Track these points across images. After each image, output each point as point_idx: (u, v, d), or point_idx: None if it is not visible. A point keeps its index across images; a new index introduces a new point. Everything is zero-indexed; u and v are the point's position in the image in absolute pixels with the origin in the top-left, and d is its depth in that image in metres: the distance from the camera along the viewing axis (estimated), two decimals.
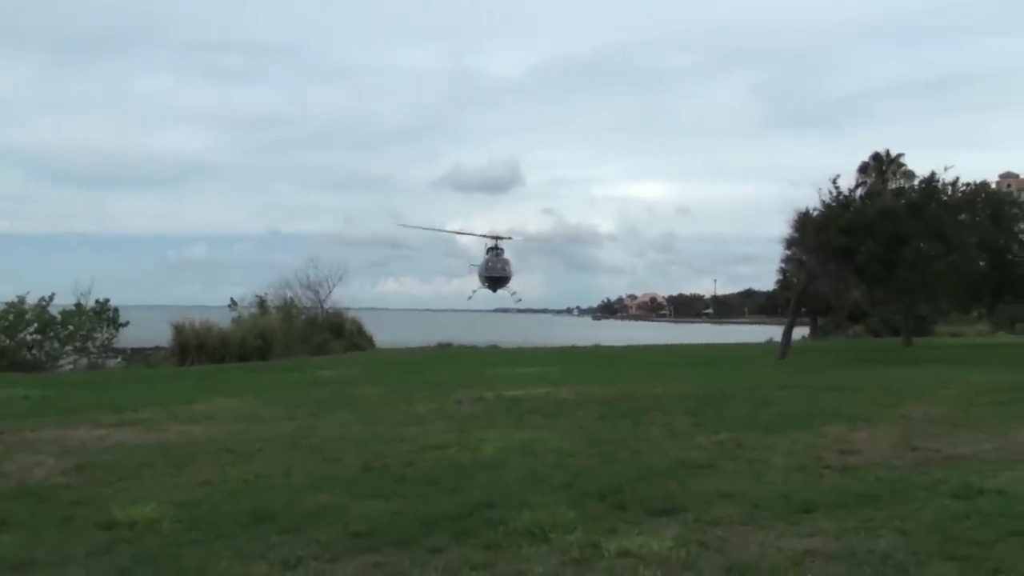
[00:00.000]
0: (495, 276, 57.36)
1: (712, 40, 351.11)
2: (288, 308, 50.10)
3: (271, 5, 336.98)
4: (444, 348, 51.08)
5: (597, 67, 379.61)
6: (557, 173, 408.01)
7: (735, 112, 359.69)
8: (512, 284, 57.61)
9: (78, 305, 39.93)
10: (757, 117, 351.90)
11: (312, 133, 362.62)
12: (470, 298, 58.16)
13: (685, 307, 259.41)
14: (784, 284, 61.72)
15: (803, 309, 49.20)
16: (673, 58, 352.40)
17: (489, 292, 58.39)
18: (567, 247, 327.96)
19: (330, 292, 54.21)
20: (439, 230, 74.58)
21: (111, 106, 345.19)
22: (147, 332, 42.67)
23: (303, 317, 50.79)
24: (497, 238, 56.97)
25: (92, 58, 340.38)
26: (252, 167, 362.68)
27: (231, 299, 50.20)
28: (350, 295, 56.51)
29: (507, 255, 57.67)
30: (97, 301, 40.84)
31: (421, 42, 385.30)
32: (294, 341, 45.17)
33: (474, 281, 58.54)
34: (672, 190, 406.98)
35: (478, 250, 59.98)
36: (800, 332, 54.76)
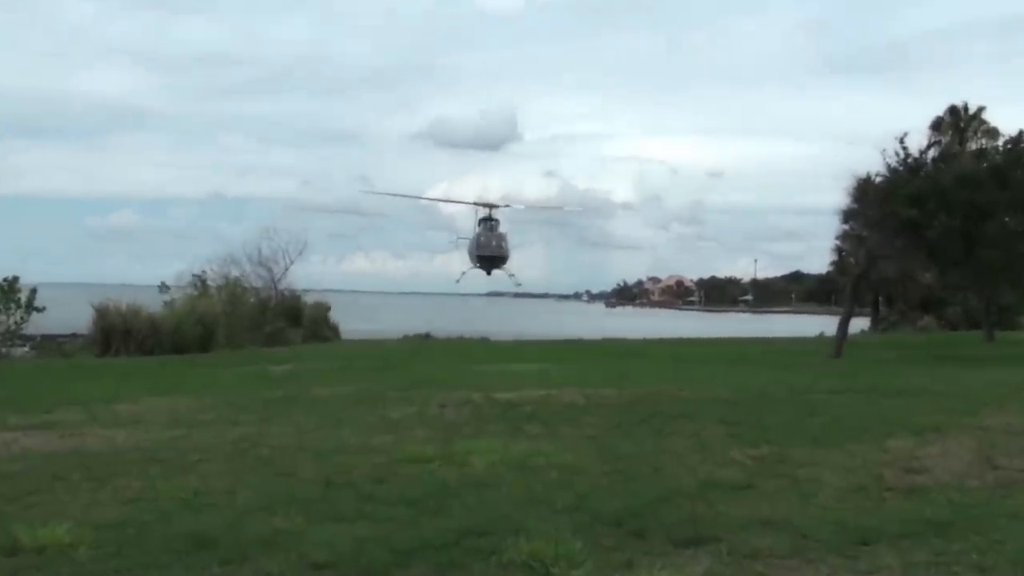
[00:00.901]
0: (489, 255, 56.97)
1: None
2: (234, 289, 50.16)
3: None
4: (424, 339, 51.23)
5: None
6: (562, 127, 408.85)
7: (780, 54, 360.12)
8: (510, 264, 57.15)
9: None
10: (807, 60, 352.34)
11: (265, 76, 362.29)
12: (458, 281, 57.87)
13: (718, 293, 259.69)
14: (839, 266, 61.64)
15: (862, 296, 49.22)
16: None
17: (481, 274, 58.13)
18: (574, 218, 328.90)
19: (286, 270, 54.42)
20: (417, 197, 73.59)
21: (19, 38, 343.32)
22: (62, 315, 42.66)
23: (252, 300, 50.88)
24: (490, 206, 56.48)
25: None
26: (191, 116, 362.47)
27: (162, 282, 50.31)
28: (310, 274, 57.12)
29: (503, 228, 57.35)
30: (5, 280, 40.78)
31: None
32: (241, 329, 45.25)
33: (463, 261, 57.96)
34: (701, 149, 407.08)
35: (466, 221, 59.78)
36: (859, 324, 54.85)
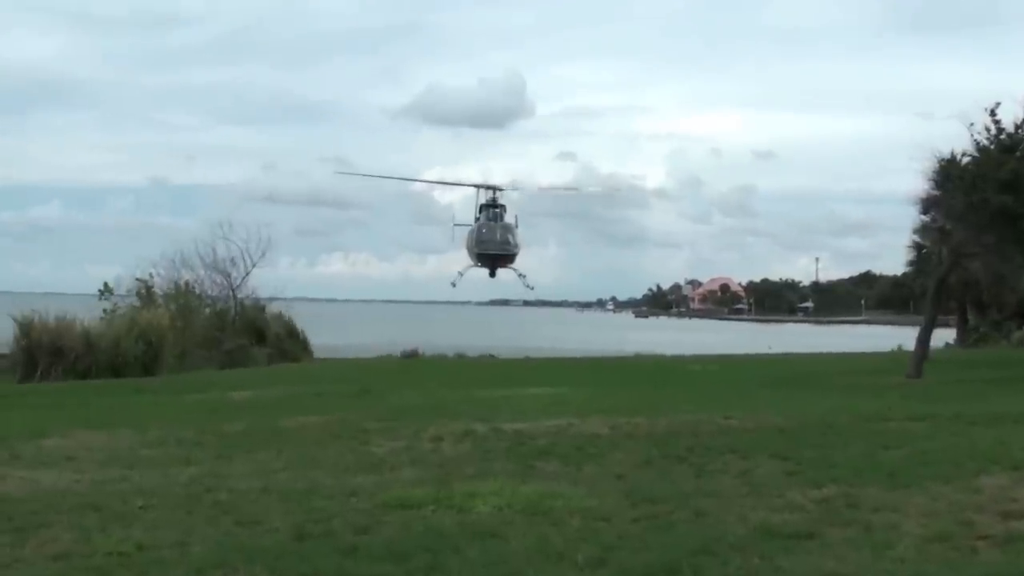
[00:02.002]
0: (493, 252, 55.08)
1: None
2: (184, 298, 50.19)
3: None
4: (414, 358, 51.18)
5: None
6: (581, 100, 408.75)
7: (840, 9, 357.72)
8: (519, 262, 55.41)
9: None
10: (874, 17, 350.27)
11: (219, 37, 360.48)
12: (455, 284, 56.21)
13: (772, 299, 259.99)
14: (919, 266, 61.66)
15: (946, 303, 49.16)
16: None
17: (483, 274, 57.05)
18: (597, 209, 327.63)
19: (247, 275, 54.46)
20: (404, 179, 70.03)
21: None
22: None
23: (207, 311, 50.93)
24: (494, 189, 56.09)
25: None
26: (128, 87, 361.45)
27: (104, 284, 50.27)
28: (277, 279, 56.53)
29: (510, 217, 56.89)
30: None
31: None
32: (193, 347, 45.31)
33: (460, 257, 56.66)
34: (749, 125, 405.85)
35: (467, 212, 57.99)
36: (943, 336, 54.77)
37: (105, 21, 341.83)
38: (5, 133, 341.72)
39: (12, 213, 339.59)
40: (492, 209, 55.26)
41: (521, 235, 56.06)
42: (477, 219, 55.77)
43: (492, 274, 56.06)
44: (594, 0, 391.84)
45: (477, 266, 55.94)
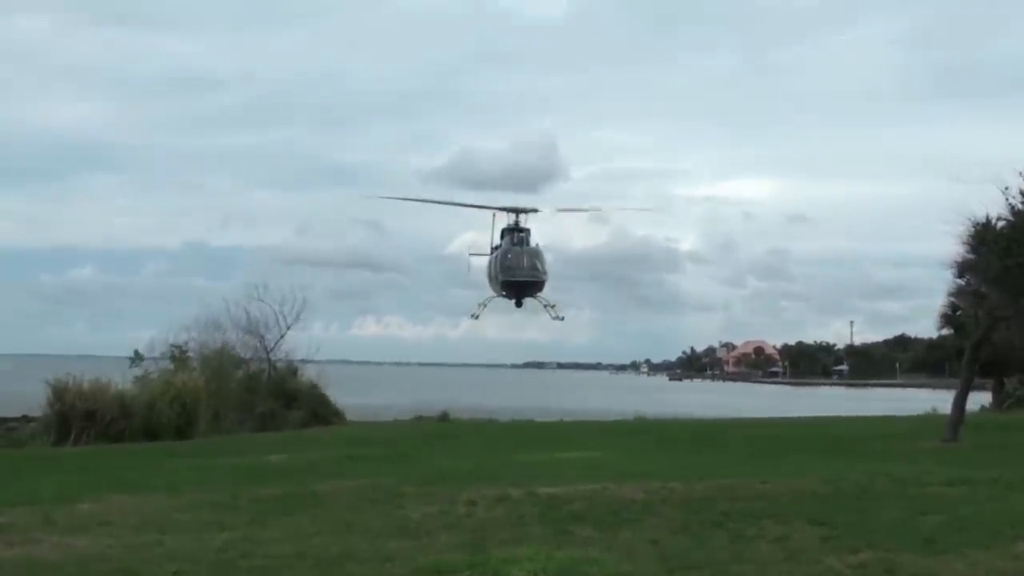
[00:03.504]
0: (521, 280, 50.45)
1: None
2: (219, 361, 50.29)
3: None
4: (449, 421, 51.09)
5: (674, 6, 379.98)
6: (615, 163, 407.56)
7: (875, 75, 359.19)
8: (547, 291, 52.13)
9: None
10: (907, 82, 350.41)
11: (254, 102, 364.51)
12: (476, 316, 52.26)
13: (806, 362, 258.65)
14: (955, 329, 61.31)
15: (983, 366, 48.81)
16: None
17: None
18: (630, 272, 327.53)
19: (281, 337, 54.51)
20: (422, 200, 62.30)
21: None
22: (10, 394, 42.97)
23: (240, 375, 51.01)
24: (517, 212, 51.69)
25: None
26: (165, 152, 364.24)
27: (135, 351, 50.47)
28: (311, 342, 56.54)
29: (536, 241, 51.90)
30: None
31: None
32: (227, 411, 45.33)
33: (481, 288, 53.84)
34: (783, 189, 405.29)
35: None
36: (979, 399, 54.32)
37: (143, 86, 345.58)
38: (45, 198, 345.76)
39: (49, 276, 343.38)
40: (516, 233, 51.06)
41: (549, 262, 51.70)
42: (501, 242, 51.62)
43: (519, 304, 51.75)
44: (626, 66, 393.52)
45: (501, 295, 51.53)
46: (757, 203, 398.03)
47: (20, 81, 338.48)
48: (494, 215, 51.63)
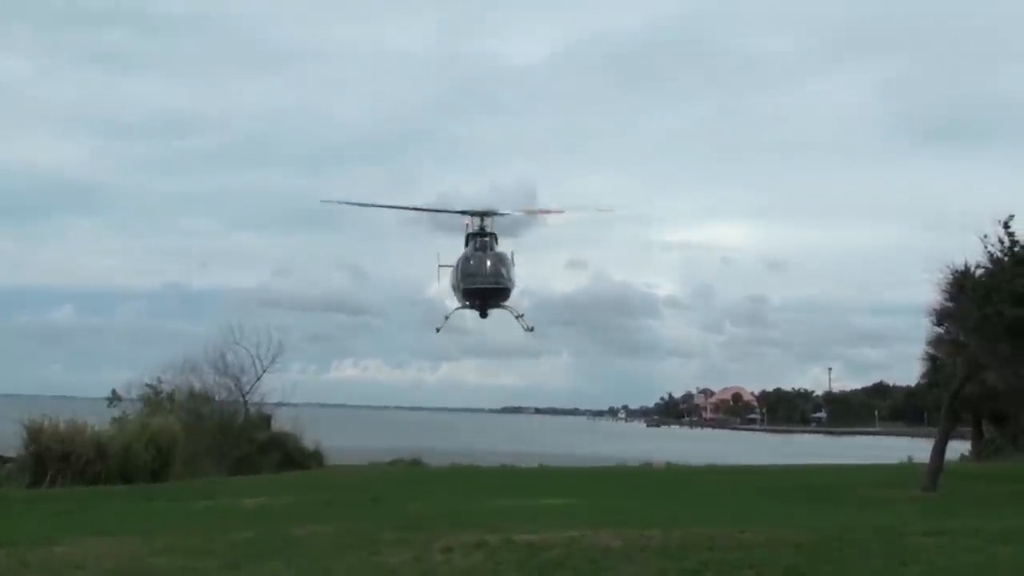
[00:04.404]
0: (481, 286, 46.27)
1: (821, 18, 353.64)
2: (194, 404, 50.10)
3: None
4: (426, 466, 50.95)
5: (653, 53, 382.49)
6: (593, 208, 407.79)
7: (853, 121, 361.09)
8: (516, 300, 48.01)
9: None
10: (885, 128, 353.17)
11: (235, 144, 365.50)
12: (439, 330, 48.37)
13: (784, 409, 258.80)
14: (932, 378, 61.40)
15: (961, 415, 48.90)
16: (763, 42, 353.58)
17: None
18: (609, 318, 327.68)
19: (257, 380, 54.32)
20: (376, 206, 54.16)
21: None
22: None
23: (216, 418, 50.79)
24: (483, 215, 47.05)
25: None
26: (144, 192, 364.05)
27: (112, 391, 50.26)
28: (287, 385, 56.38)
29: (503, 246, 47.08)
30: None
31: (399, 16, 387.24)
32: (203, 454, 45.10)
33: (447, 298, 48.43)
34: (760, 235, 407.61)
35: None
36: (958, 448, 54.45)
37: (123, 128, 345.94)
38: (24, 237, 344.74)
39: (26, 316, 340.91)
40: (480, 238, 46.94)
41: (516, 271, 47.26)
42: (465, 250, 47.67)
43: (483, 314, 47.65)
44: (605, 110, 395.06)
45: (464, 306, 47.32)
46: (735, 249, 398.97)
47: (2, 121, 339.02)
48: (467, 225, 47.52)
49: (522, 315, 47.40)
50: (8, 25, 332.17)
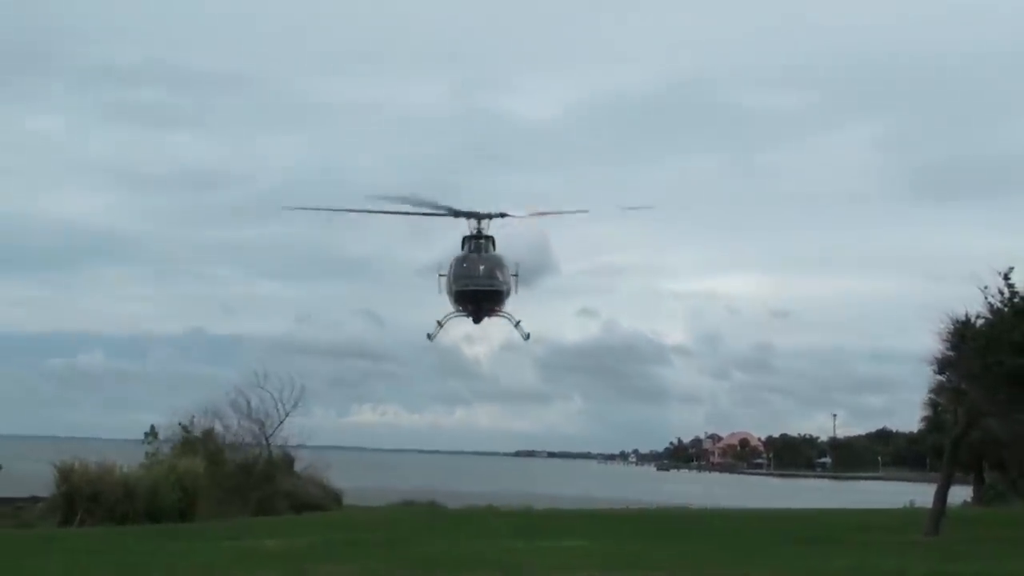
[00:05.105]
0: (474, 289, 43.37)
1: (825, 73, 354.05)
2: (219, 447, 50.10)
3: (210, 22, 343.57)
4: (442, 507, 50.79)
5: (663, 109, 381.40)
6: (604, 258, 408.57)
7: (856, 176, 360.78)
8: (512, 306, 44.88)
9: None
10: (888, 183, 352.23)
11: (259, 197, 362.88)
12: (431, 337, 44.85)
13: (790, 454, 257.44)
14: (934, 424, 61.25)
15: (964, 461, 48.65)
16: (768, 98, 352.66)
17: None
18: (619, 364, 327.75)
19: (280, 424, 54.24)
20: (342, 210, 44.75)
21: None
22: (20, 474, 42.72)
23: (240, 460, 50.74)
24: (479, 217, 44.00)
25: None
26: (173, 242, 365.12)
27: (151, 427, 50.42)
28: (309, 428, 56.27)
29: (499, 249, 44.74)
30: None
31: (417, 74, 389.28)
32: (228, 494, 45.07)
33: (441, 304, 44.82)
34: (766, 285, 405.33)
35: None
36: (960, 494, 54.12)
37: (153, 181, 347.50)
38: (57, 285, 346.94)
39: (59, 360, 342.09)
40: (476, 241, 43.80)
41: (513, 277, 44.68)
42: (459, 254, 44.27)
43: (476, 319, 44.26)
44: (616, 163, 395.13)
45: (458, 312, 43.85)
46: (741, 298, 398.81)
47: (37, 174, 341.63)
48: (461, 229, 44.69)
49: (520, 322, 44.95)
50: (43, 81, 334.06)
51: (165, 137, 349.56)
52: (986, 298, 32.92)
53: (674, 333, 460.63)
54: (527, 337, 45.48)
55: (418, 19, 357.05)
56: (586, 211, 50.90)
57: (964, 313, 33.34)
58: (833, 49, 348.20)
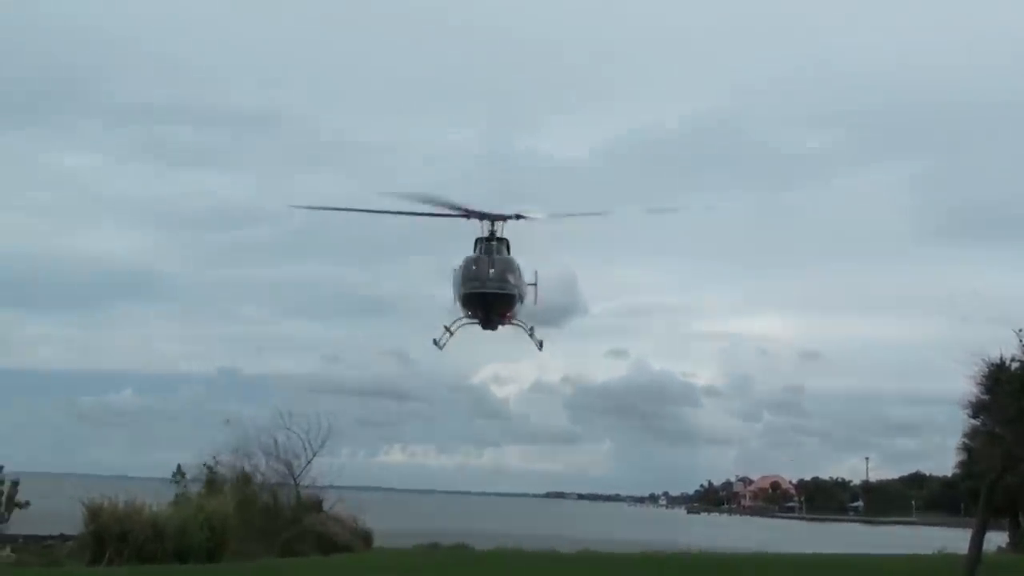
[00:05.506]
0: (482, 292, 40.82)
1: (853, 113, 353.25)
2: (245, 486, 50.12)
3: (245, 61, 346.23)
4: (470, 550, 50.60)
5: (691, 148, 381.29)
6: (633, 299, 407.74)
7: (887, 216, 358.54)
8: (526, 310, 42.38)
9: None
10: (919, 223, 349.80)
11: (292, 236, 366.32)
12: (440, 345, 41.32)
13: (823, 498, 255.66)
14: (969, 469, 60.75)
15: (999, 506, 48.22)
16: (798, 137, 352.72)
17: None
18: (649, 405, 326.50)
19: (308, 464, 54.23)
20: (350, 210, 39.99)
21: (13, 192, 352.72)
22: (49, 512, 42.82)
23: (268, 500, 50.74)
24: (494, 218, 41.44)
25: None
26: (203, 281, 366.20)
27: (178, 466, 50.52)
28: (337, 468, 56.20)
29: (513, 253, 41.52)
30: None
31: (448, 113, 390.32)
32: (255, 535, 45.04)
33: (452, 310, 41.31)
34: (796, 326, 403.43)
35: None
36: (995, 540, 53.62)
37: (185, 216, 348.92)
38: (88, 323, 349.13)
39: (90, 398, 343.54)
40: (487, 242, 41.30)
41: (531, 287, 42.54)
42: (471, 255, 42.10)
43: (486, 325, 41.29)
44: (645, 203, 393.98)
45: (467, 317, 41.08)
46: (772, 339, 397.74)
47: (71, 212, 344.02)
48: (475, 230, 41.68)
49: (532, 328, 41.98)
50: (77, 119, 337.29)
51: (198, 175, 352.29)
52: (1020, 341, 32.76)
53: (704, 374, 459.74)
54: (541, 345, 42.62)
55: (448, 60, 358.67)
56: (607, 213, 48.43)
57: (999, 356, 33.16)
58: (862, 89, 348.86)
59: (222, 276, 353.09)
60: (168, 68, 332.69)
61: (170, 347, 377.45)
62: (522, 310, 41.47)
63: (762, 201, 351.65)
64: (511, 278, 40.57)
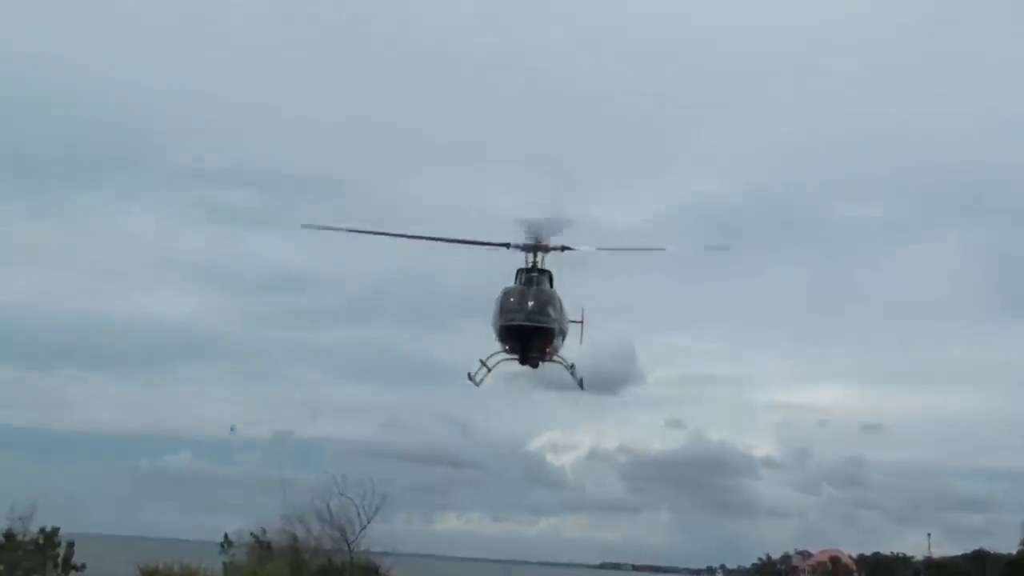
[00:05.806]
0: (519, 325, 38.11)
1: (917, 182, 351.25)
2: (297, 553, 50.01)
3: (302, 124, 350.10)
4: None
5: (750, 217, 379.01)
6: (691, 368, 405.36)
7: (948, 285, 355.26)
8: (568, 348, 40.17)
9: (9, 536, 40.56)
10: (982, 292, 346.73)
11: (350, 299, 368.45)
12: (476, 380, 39.45)
13: (883, 573, 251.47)
14: None
15: None
16: (858, 207, 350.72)
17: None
18: (706, 476, 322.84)
19: (363, 530, 54.03)
20: (369, 232, 47.86)
21: (70, 256, 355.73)
22: (104, 574, 42.98)
23: (321, 566, 50.63)
24: (536, 250, 39.41)
25: (50, 191, 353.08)
26: (260, 344, 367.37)
27: (225, 535, 50.55)
28: (391, 534, 55.95)
29: (555, 286, 40.16)
30: (42, 530, 41.47)
31: (503, 181, 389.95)
32: None
33: (489, 343, 39.78)
34: (856, 397, 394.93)
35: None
36: None
37: (243, 282, 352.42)
38: (147, 386, 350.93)
39: (147, 461, 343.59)
40: (529, 273, 39.21)
41: (576, 324, 40.36)
42: (511, 287, 39.82)
43: (524, 360, 39.05)
44: (703, 272, 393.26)
45: (504, 352, 38.91)
46: (831, 410, 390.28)
47: (128, 274, 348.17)
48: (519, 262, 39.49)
49: (573, 366, 40.69)
50: (135, 182, 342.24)
51: (255, 238, 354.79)
52: None
53: (763, 445, 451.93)
54: (581, 383, 41.65)
55: (503, 123, 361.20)
56: (663, 249, 47.15)
57: None
58: (921, 159, 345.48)
59: (279, 339, 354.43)
60: (223, 133, 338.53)
61: (226, 410, 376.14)
62: (563, 347, 40.59)
63: (821, 271, 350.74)
64: (551, 311, 38.72)
